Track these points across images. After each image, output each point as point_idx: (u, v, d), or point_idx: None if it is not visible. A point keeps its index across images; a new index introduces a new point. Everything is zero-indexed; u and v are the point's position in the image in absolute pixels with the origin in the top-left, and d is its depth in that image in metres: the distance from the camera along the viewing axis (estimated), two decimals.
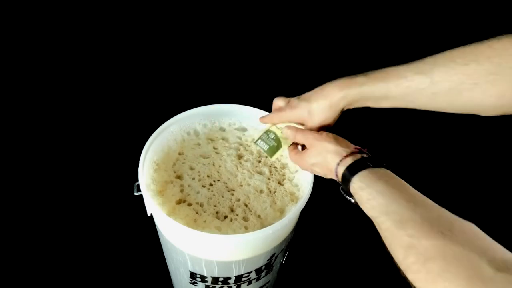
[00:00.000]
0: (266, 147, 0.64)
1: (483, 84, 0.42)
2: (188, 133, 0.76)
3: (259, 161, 0.73)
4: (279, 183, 0.70)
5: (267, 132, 0.64)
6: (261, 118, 0.65)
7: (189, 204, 0.66)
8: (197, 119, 0.77)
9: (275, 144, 0.63)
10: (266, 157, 0.72)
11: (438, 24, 1.75)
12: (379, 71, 0.49)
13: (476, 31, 1.71)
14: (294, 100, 0.58)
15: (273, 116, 0.62)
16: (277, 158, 0.73)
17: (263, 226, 0.63)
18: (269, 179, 0.70)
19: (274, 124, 0.64)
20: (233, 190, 0.68)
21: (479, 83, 0.42)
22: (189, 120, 0.76)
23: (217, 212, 0.65)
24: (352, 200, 0.49)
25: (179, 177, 0.70)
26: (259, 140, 0.65)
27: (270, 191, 0.69)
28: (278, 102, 0.62)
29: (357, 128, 1.23)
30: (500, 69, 0.41)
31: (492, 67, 0.41)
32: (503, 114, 0.44)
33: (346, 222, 1.17)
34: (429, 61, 0.46)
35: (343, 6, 1.78)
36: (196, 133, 0.77)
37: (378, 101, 0.50)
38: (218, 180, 0.70)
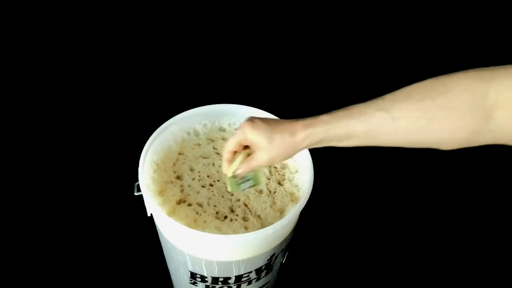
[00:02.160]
0: (249, 183, 0.60)
1: (438, 119, 0.44)
2: (188, 133, 0.76)
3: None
4: (279, 183, 0.70)
5: (234, 182, 0.59)
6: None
7: (189, 204, 0.66)
8: (197, 119, 0.77)
9: (251, 174, 0.59)
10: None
11: (438, 25, 1.75)
12: (341, 110, 0.50)
13: (475, 32, 1.71)
14: (258, 121, 0.53)
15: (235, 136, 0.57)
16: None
17: (263, 226, 0.63)
18: (269, 179, 0.70)
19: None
20: None
21: (434, 118, 0.44)
22: (189, 120, 0.76)
23: (217, 212, 0.65)
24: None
25: (179, 177, 0.70)
26: (242, 185, 0.60)
27: (270, 191, 0.69)
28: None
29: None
30: (453, 104, 0.43)
31: (445, 102, 0.43)
32: (461, 147, 0.46)
33: (346, 222, 1.17)
34: (388, 97, 0.47)
35: (342, 6, 1.78)
36: (196, 133, 0.77)
37: (341, 140, 0.50)
38: (218, 180, 0.70)
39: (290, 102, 1.37)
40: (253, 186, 0.60)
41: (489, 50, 1.64)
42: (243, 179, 0.59)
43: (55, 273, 1.03)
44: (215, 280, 0.69)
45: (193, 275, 0.70)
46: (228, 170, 0.57)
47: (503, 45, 1.66)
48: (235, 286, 0.72)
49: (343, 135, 0.49)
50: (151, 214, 0.66)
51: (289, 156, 0.54)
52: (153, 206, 0.61)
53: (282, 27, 1.72)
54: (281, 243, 0.69)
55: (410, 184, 1.27)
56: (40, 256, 1.06)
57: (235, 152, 0.56)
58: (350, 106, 0.49)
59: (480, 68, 0.43)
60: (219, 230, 0.62)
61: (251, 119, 0.53)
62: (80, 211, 1.15)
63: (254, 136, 0.52)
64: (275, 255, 0.70)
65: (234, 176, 0.58)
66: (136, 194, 0.66)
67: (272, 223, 0.59)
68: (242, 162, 0.56)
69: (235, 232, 0.62)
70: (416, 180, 1.28)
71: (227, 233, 0.61)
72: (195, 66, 1.57)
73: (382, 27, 1.74)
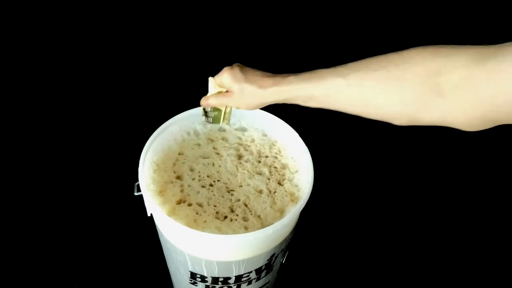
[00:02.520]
0: (210, 119, 0.68)
1: (389, 90, 0.44)
2: (188, 133, 0.76)
3: (259, 161, 0.73)
4: (279, 183, 0.70)
5: (202, 109, 0.68)
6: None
7: (189, 204, 0.66)
8: (197, 119, 0.77)
9: (215, 112, 0.67)
10: (264, 157, 0.73)
11: (438, 25, 1.75)
12: (307, 72, 0.52)
13: (475, 31, 1.72)
14: (236, 69, 0.59)
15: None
16: (276, 158, 0.73)
17: (263, 226, 0.63)
18: (269, 179, 0.70)
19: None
20: (233, 190, 0.68)
21: (385, 89, 0.44)
22: (189, 120, 0.76)
23: (217, 212, 0.65)
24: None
25: (179, 177, 0.70)
26: (203, 117, 0.69)
27: (270, 192, 0.69)
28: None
29: (353, 128, 1.23)
30: (406, 75, 0.43)
31: (398, 74, 0.43)
32: (410, 123, 0.46)
33: (346, 222, 1.17)
34: (350, 65, 0.49)
35: (342, 6, 1.78)
36: (196, 133, 0.77)
37: (305, 101, 0.53)
38: (218, 181, 0.70)
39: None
40: (209, 122, 0.69)
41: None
42: (210, 113, 0.67)
43: (55, 273, 1.03)
44: (215, 280, 0.69)
45: (193, 275, 0.70)
46: (202, 99, 0.65)
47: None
48: (235, 286, 0.72)
49: (305, 97, 0.52)
50: (151, 214, 0.66)
51: (256, 106, 0.59)
52: (153, 206, 0.61)
53: (282, 27, 1.72)
54: (281, 243, 0.69)
55: (410, 184, 1.27)
56: (40, 256, 1.06)
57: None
58: (316, 70, 0.52)
59: (440, 45, 0.43)
60: (219, 230, 0.62)
61: (232, 66, 0.60)
62: (80, 211, 1.15)
63: (228, 82, 0.59)
64: (275, 255, 0.70)
65: (203, 108, 0.67)
66: (136, 194, 0.66)
67: (272, 223, 0.59)
68: (215, 96, 0.62)
69: (235, 232, 0.62)
70: (416, 179, 1.28)
71: (227, 233, 0.61)
72: (195, 66, 1.57)
73: (382, 27, 1.74)
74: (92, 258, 1.06)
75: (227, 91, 0.61)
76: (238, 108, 0.62)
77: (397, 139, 1.36)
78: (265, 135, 0.77)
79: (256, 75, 0.57)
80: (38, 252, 1.06)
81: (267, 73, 0.57)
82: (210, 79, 0.63)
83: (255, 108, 0.60)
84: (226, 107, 0.66)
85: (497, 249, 1.13)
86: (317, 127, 1.23)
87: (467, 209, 1.21)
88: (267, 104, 0.58)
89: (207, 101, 0.63)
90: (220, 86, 0.62)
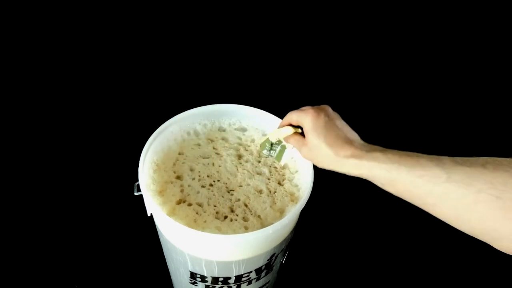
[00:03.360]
0: (273, 153, 0.65)
1: (507, 201, 0.34)
2: (188, 133, 0.76)
3: (259, 162, 0.73)
4: (279, 183, 0.70)
5: (266, 141, 0.66)
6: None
7: (189, 204, 0.66)
8: (197, 119, 0.77)
9: (280, 148, 0.64)
10: (267, 157, 0.73)
11: (440, 26, 1.75)
12: (399, 152, 0.44)
13: (475, 32, 1.72)
14: (322, 118, 0.51)
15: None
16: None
17: (263, 226, 0.63)
18: (269, 179, 0.70)
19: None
20: (233, 190, 0.68)
21: (502, 198, 0.34)
22: (189, 120, 0.76)
23: (217, 212, 0.65)
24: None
25: (179, 177, 0.70)
26: (265, 150, 0.67)
27: (270, 191, 0.69)
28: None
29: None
30: None
31: None
32: None
33: (346, 222, 1.17)
34: (458, 159, 0.39)
35: (342, 6, 1.78)
36: (196, 133, 0.77)
37: (384, 184, 0.45)
38: (218, 180, 0.70)
39: (290, 102, 1.37)
40: (272, 156, 0.66)
41: (489, 50, 1.64)
42: (274, 146, 0.64)
43: (55, 273, 1.03)
44: (215, 280, 0.69)
45: (193, 275, 0.70)
46: (272, 132, 0.61)
47: (503, 45, 1.66)
48: (235, 286, 0.72)
49: (386, 179, 0.44)
50: (151, 214, 0.66)
51: (326, 168, 0.52)
52: (153, 206, 0.61)
53: (282, 27, 1.72)
54: (281, 243, 0.69)
55: None
56: (40, 256, 1.06)
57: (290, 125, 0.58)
58: (413, 153, 0.43)
59: None
60: (219, 230, 0.62)
61: (320, 110, 0.52)
62: (80, 211, 1.15)
63: (309, 127, 0.52)
64: (275, 255, 0.71)
65: (268, 140, 0.64)
66: (136, 194, 0.66)
67: (272, 223, 0.59)
68: (289, 136, 0.58)
69: (235, 232, 0.62)
70: None
71: (227, 233, 0.61)
72: (195, 66, 1.57)
73: (383, 27, 1.74)
74: (92, 258, 1.06)
75: (302, 133, 0.55)
76: (309, 160, 0.56)
77: (398, 139, 1.36)
78: (265, 135, 0.77)
79: (339, 137, 0.49)
80: (38, 252, 1.06)
81: (353, 137, 0.50)
82: (284, 122, 0.59)
83: (325, 168, 0.53)
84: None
85: (496, 249, 1.13)
86: None
87: None
88: (337, 171, 0.51)
89: (288, 140, 0.57)
90: (295, 124, 0.57)
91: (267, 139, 0.65)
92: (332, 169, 0.51)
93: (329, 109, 0.53)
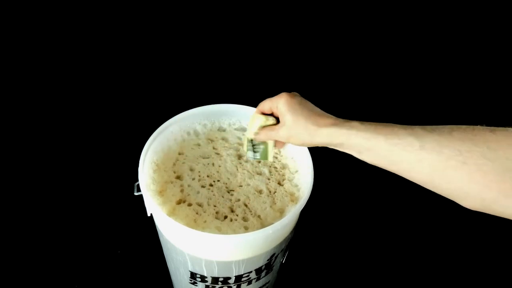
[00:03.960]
0: (257, 155, 0.64)
1: (471, 166, 0.38)
2: (188, 133, 0.76)
3: (259, 162, 0.73)
4: (279, 183, 0.70)
5: (247, 141, 0.64)
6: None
7: (189, 204, 0.66)
8: (197, 119, 0.77)
9: (263, 146, 0.63)
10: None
11: (438, 25, 1.75)
12: (376, 123, 0.47)
13: (475, 32, 1.72)
14: (296, 99, 0.54)
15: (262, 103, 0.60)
16: (276, 158, 0.73)
17: (263, 226, 0.63)
18: (269, 179, 0.70)
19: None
20: (233, 190, 0.68)
21: (467, 163, 0.38)
22: (189, 120, 0.76)
23: (217, 212, 0.65)
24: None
25: (179, 177, 0.70)
26: (249, 152, 0.65)
27: (270, 192, 0.69)
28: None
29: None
30: (495, 156, 0.37)
31: (486, 151, 0.38)
32: (481, 210, 0.41)
33: (346, 222, 1.17)
34: (428, 128, 0.43)
35: (342, 6, 1.78)
36: (196, 133, 0.77)
37: (361, 151, 0.47)
38: (218, 181, 0.70)
39: None
40: (258, 159, 0.64)
41: (489, 51, 1.64)
42: (256, 147, 0.63)
43: (55, 273, 1.03)
44: (215, 280, 0.69)
45: (193, 275, 0.70)
46: (248, 130, 0.61)
47: (503, 45, 1.66)
48: (235, 286, 0.72)
49: (364, 147, 0.46)
50: (151, 214, 0.66)
51: (305, 144, 0.54)
52: (153, 206, 0.61)
53: (282, 27, 1.72)
54: (281, 243, 0.69)
55: (410, 184, 1.27)
56: (40, 256, 1.06)
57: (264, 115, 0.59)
58: (387, 123, 0.46)
59: None
60: (219, 230, 0.62)
61: (293, 94, 0.55)
62: (80, 211, 1.15)
63: (284, 108, 0.53)
64: (275, 255, 0.71)
65: (251, 140, 0.62)
66: (136, 194, 0.66)
67: (272, 223, 0.59)
68: (262, 127, 0.58)
69: (235, 232, 0.62)
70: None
71: (227, 233, 0.61)
72: (195, 66, 1.57)
73: (383, 28, 1.74)
74: (92, 258, 1.06)
75: (274, 124, 0.57)
76: (287, 142, 0.57)
77: None
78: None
79: (314, 111, 0.52)
80: (38, 252, 1.06)
81: (327, 114, 0.52)
82: (256, 111, 0.59)
83: (303, 145, 0.54)
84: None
85: (497, 249, 1.13)
86: None
87: (468, 210, 1.21)
88: (317, 145, 0.53)
89: (258, 136, 0.59)
90: (268, 112, 0.58)
91: (246, 138, 0.64)
92: (310, 142, 0.52)
93: (299, 94, 0.56)
